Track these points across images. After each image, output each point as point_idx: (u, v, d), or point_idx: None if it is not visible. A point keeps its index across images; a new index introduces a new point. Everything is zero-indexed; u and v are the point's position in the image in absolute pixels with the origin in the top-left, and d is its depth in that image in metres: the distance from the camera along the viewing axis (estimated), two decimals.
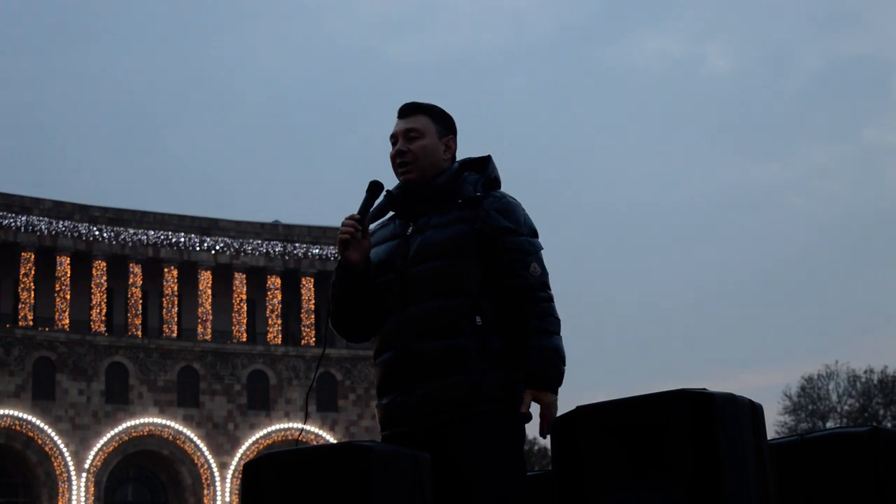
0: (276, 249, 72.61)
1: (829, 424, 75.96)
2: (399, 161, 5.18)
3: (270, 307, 72.10)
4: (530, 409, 4.87)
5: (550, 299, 4.99)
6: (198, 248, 70.78)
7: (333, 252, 71.39)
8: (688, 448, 4.24)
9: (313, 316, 72.59)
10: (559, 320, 4.98)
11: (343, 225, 5.07)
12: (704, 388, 4.34)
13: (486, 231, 5.01)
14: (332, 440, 65.09)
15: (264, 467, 4.73)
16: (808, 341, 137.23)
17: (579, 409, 4.60)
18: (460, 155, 5.34)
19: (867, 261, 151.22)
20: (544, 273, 5.03)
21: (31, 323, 65.72)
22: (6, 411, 63.28)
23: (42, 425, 64.02)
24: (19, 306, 65.81)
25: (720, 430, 4.23)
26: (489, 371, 4.88)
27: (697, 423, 4.24)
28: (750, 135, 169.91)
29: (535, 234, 5.12)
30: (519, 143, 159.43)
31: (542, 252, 5.08)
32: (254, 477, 4.73)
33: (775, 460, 4.91)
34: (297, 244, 73.09)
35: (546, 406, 4.81)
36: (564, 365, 4.90)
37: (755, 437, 4.44)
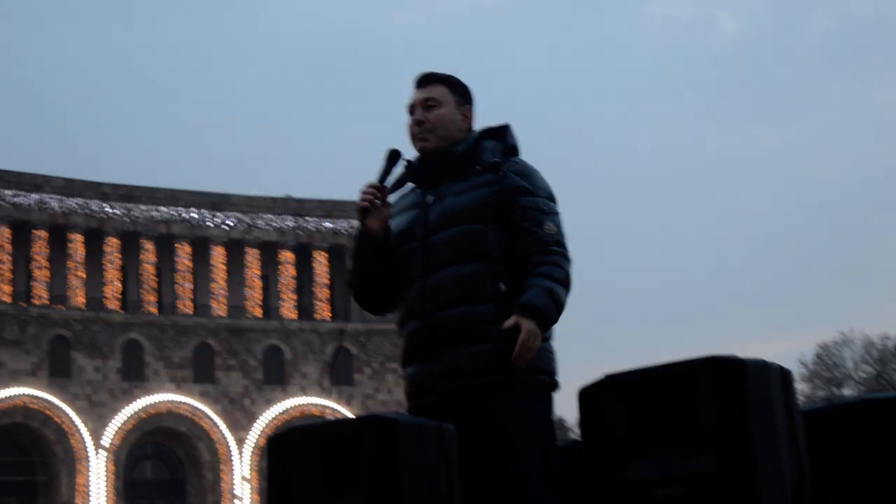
0: (289, 224, 72.62)
1: (846, 392, 75.90)
2: (417, 130, 5.14)
3: (284, 282, 72.18)
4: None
5: (564, 256, 4.96)
6: (210, 224, 70.82)
7: (346, 226, 71.41)
8: (719, 414, 4.19)
9: (327, 290, 72.66)
10: (569, 276, 4.94)
11: (362, 193, 5.02)
12: (734, 354, 4.29)
13: (503, 193, 4.99)
14: (349, 414, 65.24)
15: (289, 441, 4.71)
16: (822, 308, 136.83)
17: (607, 377, 4.54)
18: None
19: (881, 226, 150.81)
20: (560, 233, 5.01)
21: (45, 301, 65.91)
22: (23, 390, 63.51)
23: (59, 403, 64.26)
24: (33, 284, 65.99)
25: (752, 396, 4.18)
26: (514, 338, 4.83)
27: (729, 390, 4.19)
28: (760, 98, 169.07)
29: (552, 198, 5.10)
30: (526, 112, 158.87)
31: (560, 216, 5.05)
32: (278, 450, 4.71)
33: (804, 427, 4.86)
34: (309, 218, 73.09)
35: (526, 333, 4.74)
36: (558, 311, 4.87)
37: (786, 403, 4.38)
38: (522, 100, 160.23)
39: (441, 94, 5.17)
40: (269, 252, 72.26)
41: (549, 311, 4.82)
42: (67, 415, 64.30)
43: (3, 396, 63.03)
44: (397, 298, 5.11)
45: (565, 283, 4.91)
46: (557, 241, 4.97)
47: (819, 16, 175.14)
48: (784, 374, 4.44)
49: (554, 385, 4.92)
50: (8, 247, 65.38)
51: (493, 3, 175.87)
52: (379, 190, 5.05)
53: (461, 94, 5.24)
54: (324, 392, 70.24)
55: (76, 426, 64.39)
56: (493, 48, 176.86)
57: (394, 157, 5.12)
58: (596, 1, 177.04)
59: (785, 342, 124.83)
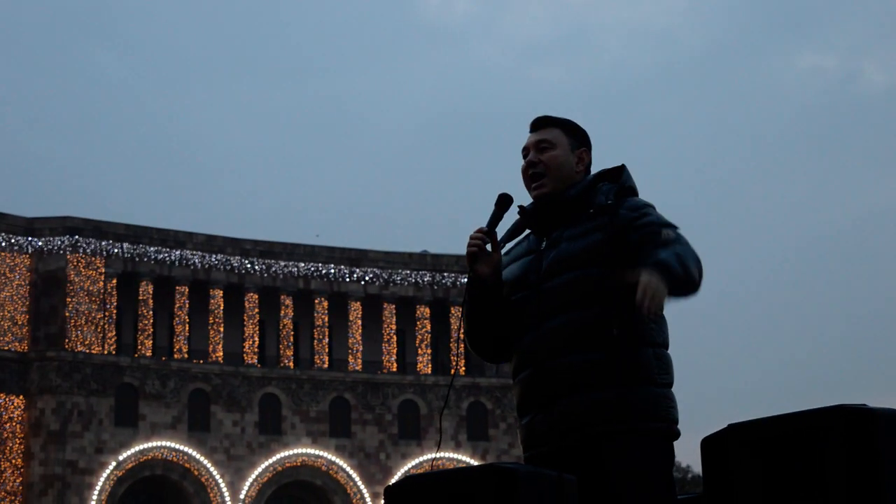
0: (425, 279, 72.96)
1: None
2: (530, 172, 5.07)
3: (420, 337, 72.44)
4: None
5: (687, 245, 4.69)
6: (347, 280, 71.46)
7: None
8: (846, 466, 4.03)
9: (463, 345, 72.58)
10: (695, 254, 4.67)
11: (471, 238, 4.96)
12: (864, 404, 4.13)
13: (617, 232, 4.81)
14: None
15: (406, 490, 4.65)
16: None
17: (731, 426, 4.41)
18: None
19: None
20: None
21: (186, 355, 67.05)
22: (163, 443, 64.58)
23: (198, 456, 65.15)
24: (174, 339, 67.22)
25: (882, 447, 4.01)
26: (630, 386, 4.71)
27: (857, 440, 4.02)
28: None
29: (669, 224, 4.83)
30: (666, 165, 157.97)
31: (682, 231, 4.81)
32: (396, 500, 4.66)
33: None
34: (445, 274, 73.36)
35: (646, 279, 4.45)
36: (685, 272, 4.56)
37: None
38: (663, 154, 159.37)
39: (555, 137, 5.08)
40: (405, 307, 72.63)
41: (674, 267, 4.53)
42: (206, 468, 65.13)
43: (144, 448, 64.14)
44: (512, 347, 5.02)
45: (694, 257, 4.64)
46: (677, 238, 4.72)
47: None
48: None
49: (673, 434, 4.77)
50: (150, 302, 66.74)
51: (637, 57, 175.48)
52: (488, 234, 4.97)
53: (577, 137, 5.13)
54: (459, 447, 70.12)
55: (215, 479, 65.16)
56: (634, 104, 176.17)
57: (505, 201, 5.03)
58: (740, 54, 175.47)
59: None
